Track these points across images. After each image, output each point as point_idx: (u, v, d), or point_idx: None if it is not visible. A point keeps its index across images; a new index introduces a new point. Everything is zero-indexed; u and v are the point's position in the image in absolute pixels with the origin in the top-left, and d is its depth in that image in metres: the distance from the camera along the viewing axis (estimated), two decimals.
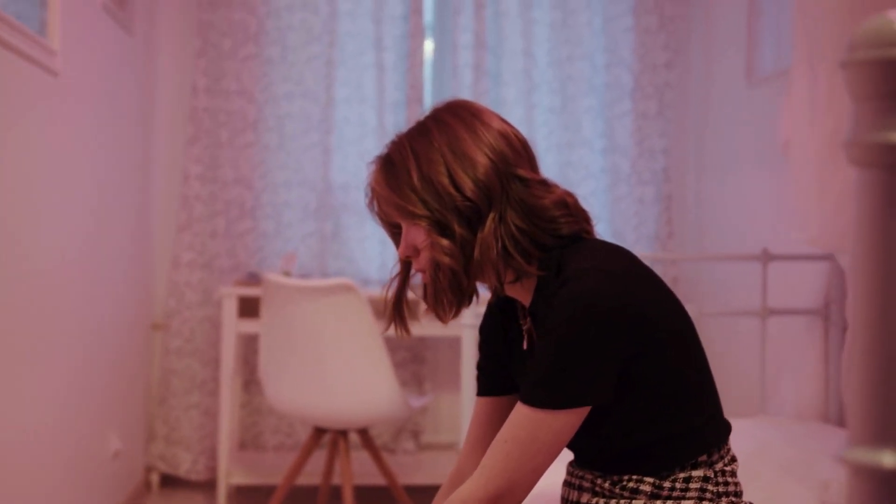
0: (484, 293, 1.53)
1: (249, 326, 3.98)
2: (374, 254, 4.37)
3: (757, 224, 3.63)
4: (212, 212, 4.28)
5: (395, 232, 1.54)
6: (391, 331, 1.58)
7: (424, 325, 4.06)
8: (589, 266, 1.35)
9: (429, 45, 4.49)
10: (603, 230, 4.32)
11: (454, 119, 1.44)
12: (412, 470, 4.16)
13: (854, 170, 0.66)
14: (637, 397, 1.37)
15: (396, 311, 1.55)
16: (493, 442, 1.39)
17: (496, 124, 1.44)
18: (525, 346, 1.52)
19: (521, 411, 1.36)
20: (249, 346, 4.32)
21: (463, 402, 3.06)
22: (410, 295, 1.57)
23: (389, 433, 4.37)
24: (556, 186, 1.45)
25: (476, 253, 1.39)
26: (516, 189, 1.40)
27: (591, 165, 4.38)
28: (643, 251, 4.22)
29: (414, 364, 4.39)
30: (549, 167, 4.38)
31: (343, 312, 3.27)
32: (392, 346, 4.28)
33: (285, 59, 4.34)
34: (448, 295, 1.42)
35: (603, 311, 1.30)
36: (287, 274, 4.04)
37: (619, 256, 1.40)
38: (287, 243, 4.35)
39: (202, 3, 4.25)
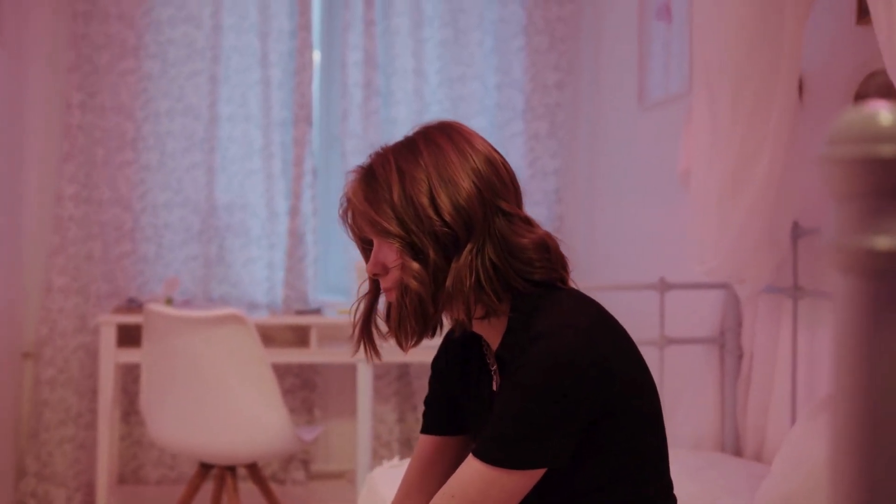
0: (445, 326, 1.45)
1: (129, 355, 3.79)
2: (260, 278, 4.22)
3: (650, 248, 3.64)
4: (87, 234, 4.07)
5: (365, 247, 1.43)
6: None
7: (315, 352, 3.95)
8: (561, 323, 1.28)
9: (317, 62, 4.37)
10: None
11: (444, 140, 1.35)
12: (303, 501, 4.03)
13: (837, 274, 0.60)
14: (595, 462, 1.31)
15: (365, 333, 1.44)
16: (440, 494, 1.31)
17: (486, 151, 1.37)
18: (494, 388, 1.44)
19: (473, 466, 1.28)
20: (129, 375, 4.11)
21: (357, 431, 2.95)
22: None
23: (279, 462, 4.22)
24: (538, 226, 1.37)
25: (448, 282, 1.30)
26: (498, 223, 1.33)
27: None
28: None
29: (304, 391, 4.26)
30: None
31: (230, 344, 3.13)
32: (281, 372, 4.15)
33: (166, 74, 4.17)
34: (412, 321, 1.33)
35: (571, 374, 1.24)
36: (169, 300, 3.87)
37: (590, 312, 1.33)
38: (168, 267, 4.16)
39: (76, 15, 4.04)
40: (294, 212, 4.17)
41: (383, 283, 1.38)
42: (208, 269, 4.19)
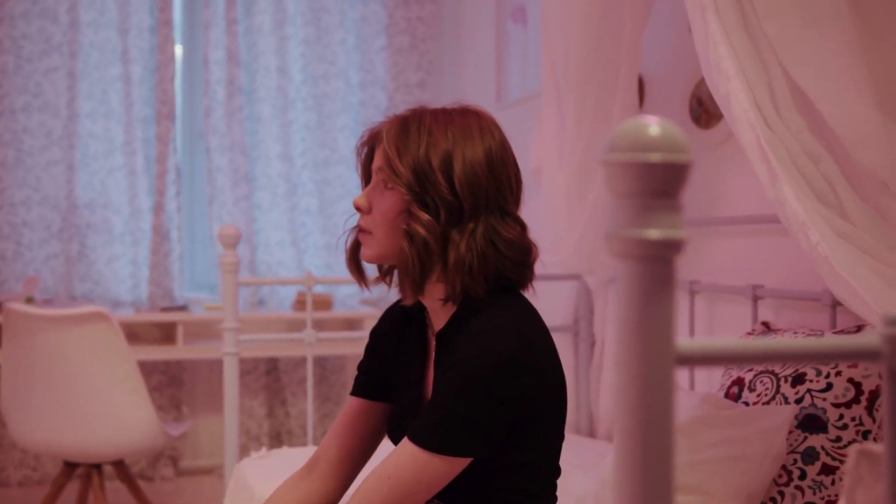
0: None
1: None
2: (124, 275, 4.20)
3: None
4: None
5: (368, 184, 1.53)
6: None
7: (181, 349, 3.95)
8: (505, 324, 1.38)
9: (178, 59, 4.36)
10: None
11: (476, 127, 1.44)
12: (172, 498, 4.02)
13: (618, 260, 0.71)
14: (515, 450, 1.41)
15: (354, 263, 1.56)
16: (375, 475, 1.39)
17: (505, 149, 1.46)
18: (430, 362, 1.53)
19: (409, 450, 1.37)
20: None
21: (225, 425, 2.98)
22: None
23: (147, 460, 4.21)
24: (528, 234, 1.47)
25: (452, 256, 1.40)
26: (495, 214, 1.42)
27: (347, 183, 4.40)
28: None
29: (171, 388, 4.25)
30: (307, 184, 4.38)
31: (94, 341, 3.12)
32: (148, 369, 4.13)
33: (21, 69, 4.09)
34: (416, 268, 1.41)
35: (508, 373, 1.35)
36: (30, 299, 3.81)
37: (531, 318, 1.44)
38: (28, 266, 4.09)
39: None
40: (158, 209, 4.16)
41: (363, 221, 1.48)
42: (70, 266, 4.14)
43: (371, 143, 1.51)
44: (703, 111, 2.66)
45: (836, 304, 2.05)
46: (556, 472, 1.50)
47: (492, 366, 1.35)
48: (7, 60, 4.07)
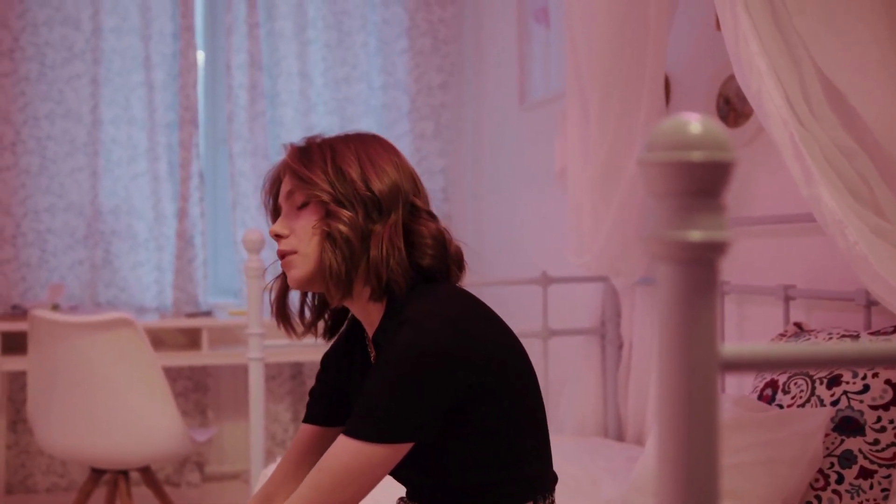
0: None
1: (14, 363, 3.72)
2: (148, 281, 4.20)
3: (535, 243, 3.75)
4: None
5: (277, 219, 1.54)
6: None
7: (206, 354, 3.94)
8: (429, 311, 1.37)
9: (200, 64, 4.36)
10: None
11: (373, 140, 1.50)
12: (198, 503, 4.02)
13: (658, 263, 0.69)
14: (472, 439, 1.39)
15: (280, 312, 1.57)
16: (311, 472, 1.39)
17: (406, 160, 1.50)
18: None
19: (339, 442, 1.36)
20: (14, 383, 4.04)
21: (251, 429, 2.98)
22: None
23: (173, 465, 4.21)
24: (441, 225, 1.49)
25: (373, 251, 1.42)
26: (405, 214, 1.45)
27: None
28: None
29: (196, 393, 4.25)
30: None
31: (120, 348, 3.12)
32: (173, 375, 4.13)
33: (44, 77, 4.11)
34: (341, 268, 1.41)
35: (433, 359, 1.33)
36: (55, 306, 3.82)
37: (460, 302, 1.43)
38: (53, 273, 4.11)
39: None
40: (182, 214, 4.16)
41: (284, 245, 1.47)
42: (95, 273, 4.15)
43: (275, 182, 1.53)
44: (731, 109, 2.62)
45: (870, 304, 2.01)
46: (534, 471, 1.45)
47: (413, 353, 1.33)
48: (31, 68, 4.09)
